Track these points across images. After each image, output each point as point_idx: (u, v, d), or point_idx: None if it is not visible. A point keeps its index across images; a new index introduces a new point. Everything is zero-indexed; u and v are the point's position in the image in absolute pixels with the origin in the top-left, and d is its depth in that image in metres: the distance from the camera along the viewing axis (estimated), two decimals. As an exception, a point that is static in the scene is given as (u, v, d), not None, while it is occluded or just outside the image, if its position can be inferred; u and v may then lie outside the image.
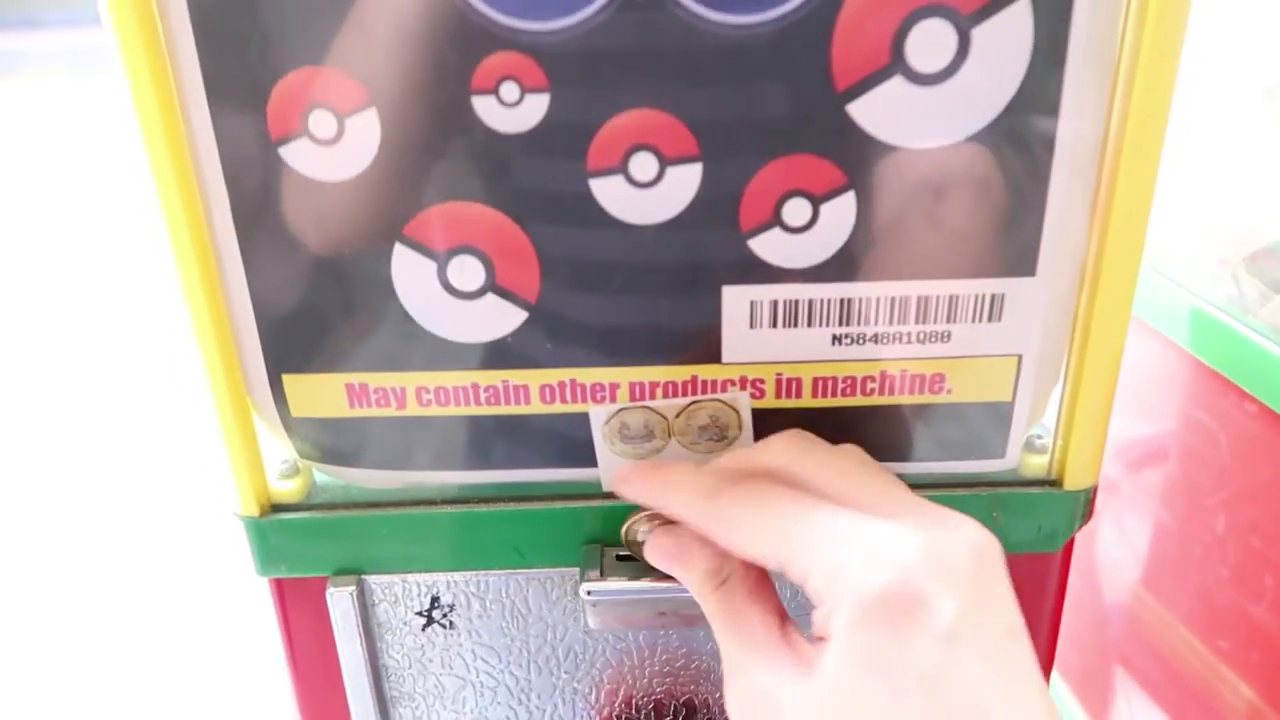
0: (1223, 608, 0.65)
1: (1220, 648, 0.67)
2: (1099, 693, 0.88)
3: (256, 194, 0.37)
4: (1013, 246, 0.38)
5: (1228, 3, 0.70)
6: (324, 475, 0.44)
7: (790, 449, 0.36)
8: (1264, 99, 0.69)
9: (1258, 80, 0.69)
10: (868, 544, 0.32)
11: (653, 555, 0.39)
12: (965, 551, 0.32)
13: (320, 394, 0.41)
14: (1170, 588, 0.74)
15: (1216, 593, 0.65)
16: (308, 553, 0.43)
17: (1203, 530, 0.66)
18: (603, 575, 0.41)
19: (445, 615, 0.45)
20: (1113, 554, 0.82)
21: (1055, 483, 0.42)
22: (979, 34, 0.34)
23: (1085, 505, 0.42)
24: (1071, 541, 0.44)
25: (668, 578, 0.40)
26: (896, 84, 0.35)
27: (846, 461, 0.36)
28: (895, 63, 0.34)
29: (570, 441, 0.42)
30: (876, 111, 0.35)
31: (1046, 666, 0.47)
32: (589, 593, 0.41)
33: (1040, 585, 0.44)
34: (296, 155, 0.36)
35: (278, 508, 0.43)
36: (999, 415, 0.41)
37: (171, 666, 1.73)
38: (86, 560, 2.03)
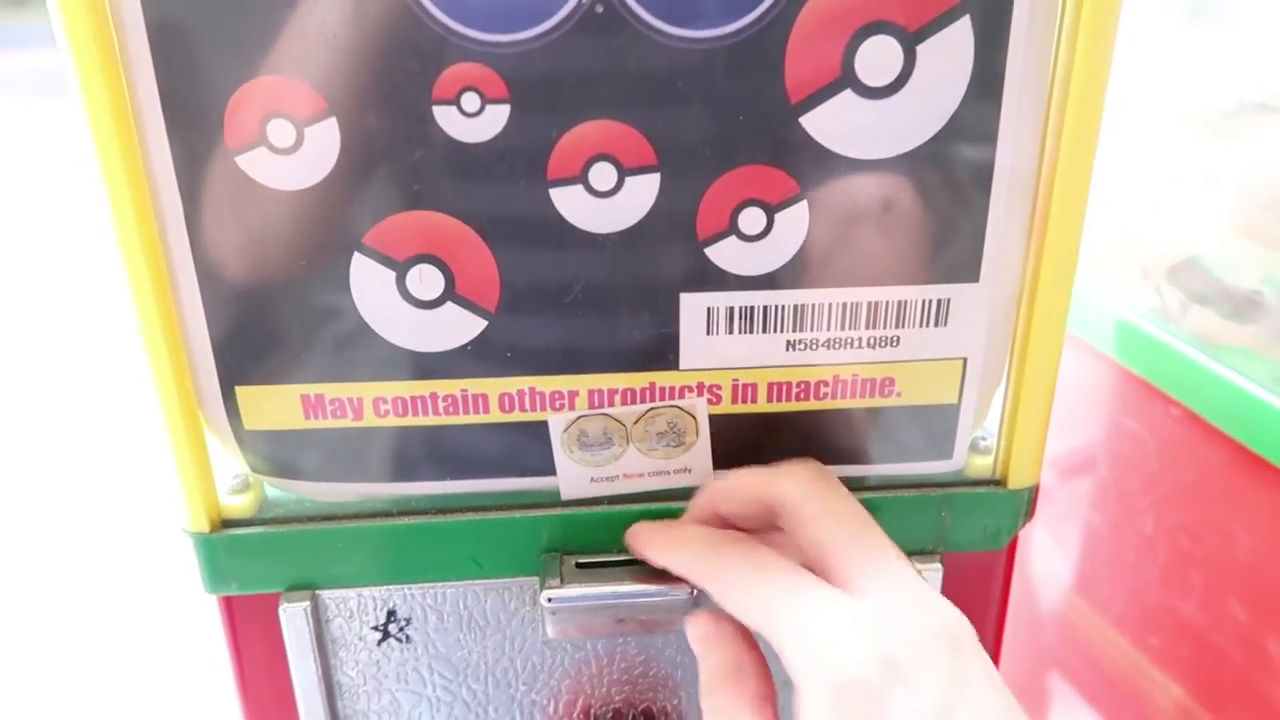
0: (1153, 608, 0.68)
1: (1151, 646, 0.70)
2: (1035, 698, 0.90)
3: (211, 203, 0.37)
4: (957, 254, 0.39)
5: (1146, 36, 0.75)
6: (276, 490, 0.44)
7: (805, 483, 0.37)
8: (1179, 124, 0.73)
9: (1173, 107, 0.73)
10: (843, 628, 0.33)
11: (690, 631, 0.39)
12: (937, 635, 0.33)
13: (274, 406, 0.40)
14: (1103, 592, 0.76)
15: (1147, 593, 0.68)
16: (259, 569, 0.42)
17: (1133, 533, 0.69)
18: (562, 583, 0.41)
19: (401, 629, 0.44)
20: (1047, 561, 0.85)
21: (999, 482, 0.44)
22: (923, 50, 0.36)
23: (1028, 504, 0.44)
24: (1015, 540, 0.45)
25: (633, 582, 0.41)
26: (847, 98, 0.36)
27: (848, 511, 0.37)
28: (845, 77, 0.36)
29: (529, 450, 0.42)
30: (828, 123, 0.36)
31: (995, 658, 0.48)
32: (549, 600, 0.41)
33: (986, 583, 0.46)
34: (254, 164, 0.36)
35: (228, 523, 0.42)
36: (946, 417, 0.43)
37: (125, 681, 1.67)
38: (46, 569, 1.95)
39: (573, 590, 0.41)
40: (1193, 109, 0.70)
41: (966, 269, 0.40)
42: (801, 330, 0.40)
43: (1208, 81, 0.71)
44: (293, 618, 0.43)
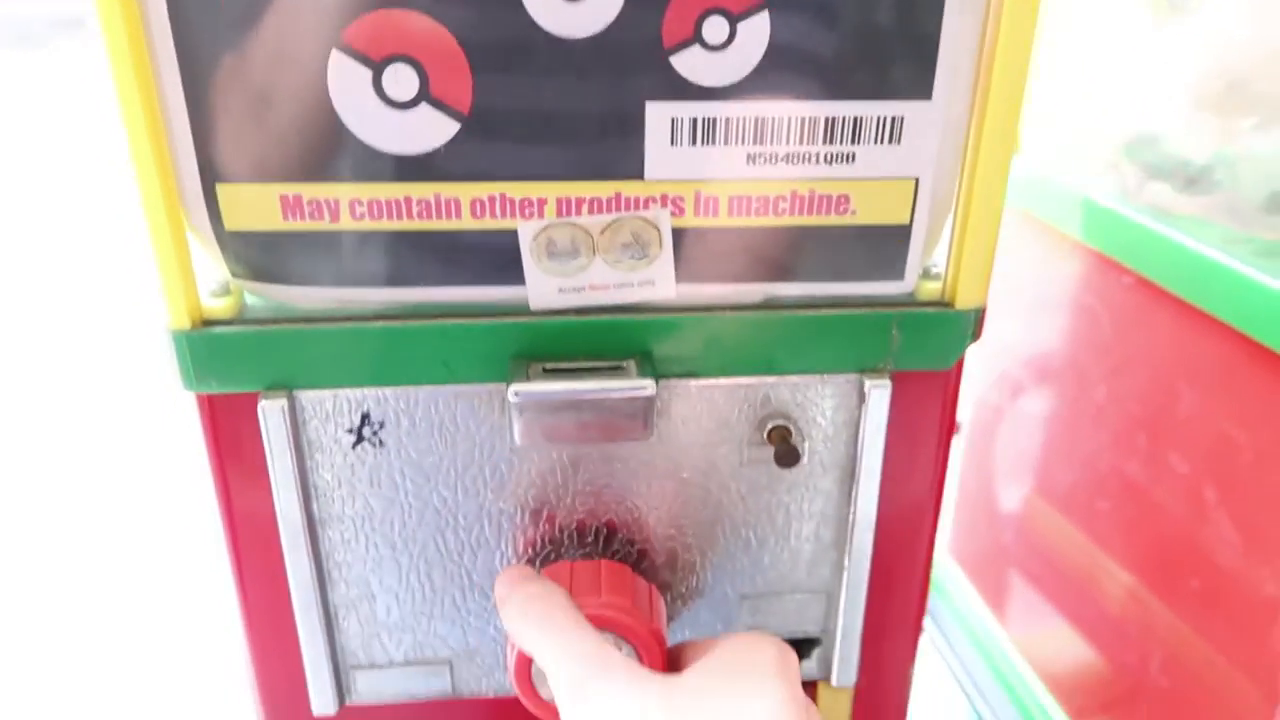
0: (1104, 474, 0.71)
1: (1100, 513, 0.73)
2: (992, 579, 0.94)
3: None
4: (911, 71, 0.41)
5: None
6: (255, 298, 0.45)
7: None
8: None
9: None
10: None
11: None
12: None
13: (254, 205, 0.42)
14: (1059, 471, 0.79)
15: (1098, 459, 0.71)
16: (238, 368, 0.44)
17: (1087, 404, 0.72)
18: (529, 382, 0.43)
19: (375, 433, 0.46)
20: (1009, 449, 0.88)
21: (948, 304, 0.46)
22: None
23: (974, 325, 0.46)
24: (961, 361, 0.47)
25: (595, 379, 0.43)
26: (809, -99, 0.37)
27: None
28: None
29: (500, 259, 0.44)
30: (790, -73, 0.38)
31: (941, 480, 0.51)
32: (515, 394, 0.43)
33: (934, 401, 0.48)
34: (235, -49, 0.37)
35: (209, 323, 0.44)
36: (898, 237, 0.45)
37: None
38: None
39: (537, 386, 0.43)
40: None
41: (919, 86, 0.41)
42: (761, 143, 0.42)
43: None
44: (271, 415, 0.45)
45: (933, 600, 1.01)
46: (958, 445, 1.00)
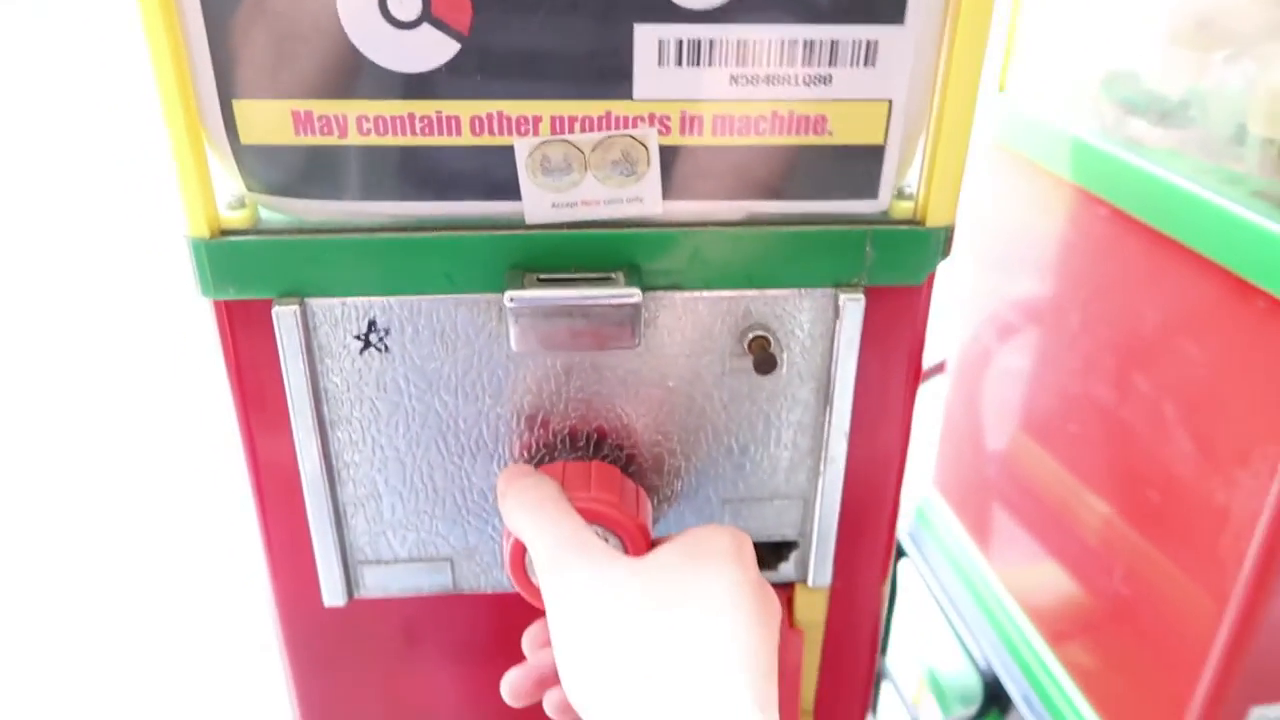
0: (1077, 399, 0.74)
1: (1073, 434, 0.76)
2: (974, 510, 0.98)
3: (210, -84, 0.41)
4: (886, -3, 0.44)
5: None
6: (268, 212, 0.48)
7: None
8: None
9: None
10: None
11: None
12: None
13: (268, 120, 0.45)
14: (1036, 402, 0.83)
15: (1071, 385, 0.74)
16: (254, 275, 0.47)
17: (1063, 333, 0.75)
18: (524, 289, 0.47)
19: (381, 339, 0.50)
20: (992, 384, 0.91)
21: (919, 223, 0.49)
22: None
23: (944, 243, 0.49)
24: (932, 277, 0.50)
25: (586, 288, 0.46)
26: None
27: None
28: None
29: (497, 174, 0.47)
30: None
31: (913, 392, 0.54)
32: (511, 300, 0.46)
33: (906, 315, 0.51)
34: (248, -126, 0.40)
35: (226, 232, 0.47)
36: (873, 157, 0.47)
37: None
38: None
39: (532, 294, 0.46)
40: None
41: (893, 11, 0.44)
42: (744, 65, 0.45)
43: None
44: (284, 319, 0.48)
45: (917, 530, 1.05)
46: (943, 384, 1.03)
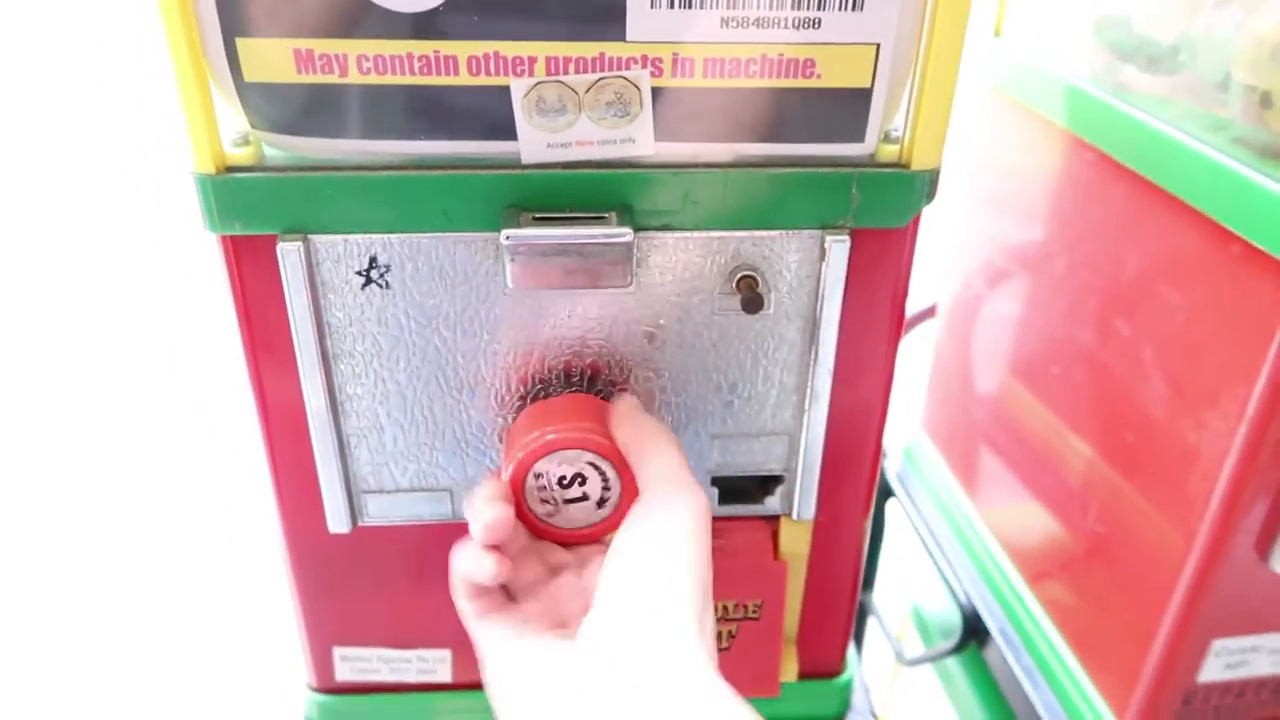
0: (1061, 342, 0.76)
1: (1055, 376, 0.78)
2: (960, 451, 1.00)
3: None
4: (875, -59, 0.44)
5: None
6: (272, 150, 0.50)
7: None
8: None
9: None
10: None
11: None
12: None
13: (270, 59, 0.46)
14: (1022, 345, 0.85)
15: (1055, 329, 0.76)
16: (258, 211, 0.49)
17: (1048, 278, 0.76)
18: (520, 228, 0.48)
19: (382, 275, 0.51)
20: (981, 328, 0.93)
21: (904, 166, 0.50)
22: None
23: (929, 186, 0.50)
24: (917, 220, 0.52)
25: (580, 226, 0.48)
26: None
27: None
28: None
29: (494, 114, 0.48)
30: None
31: (896, 332, 0.56)
32: (508, 238, 0.48)
33: (891, 257, 0.53)
34: None
35: (231, 169, 0.48)
36: (860, 100, 0.48)
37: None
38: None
39: (528, 231, 0.48)
40: None
41: (882, -44, 0.45)
42: (735, 8, 0.46)
43: None
44: (288, 255, 0.49)
45: (905, 471, 1.07)
46: (933, 329, 1.05)
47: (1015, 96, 0.78)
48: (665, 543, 0.45)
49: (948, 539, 1.00)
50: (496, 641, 0.47)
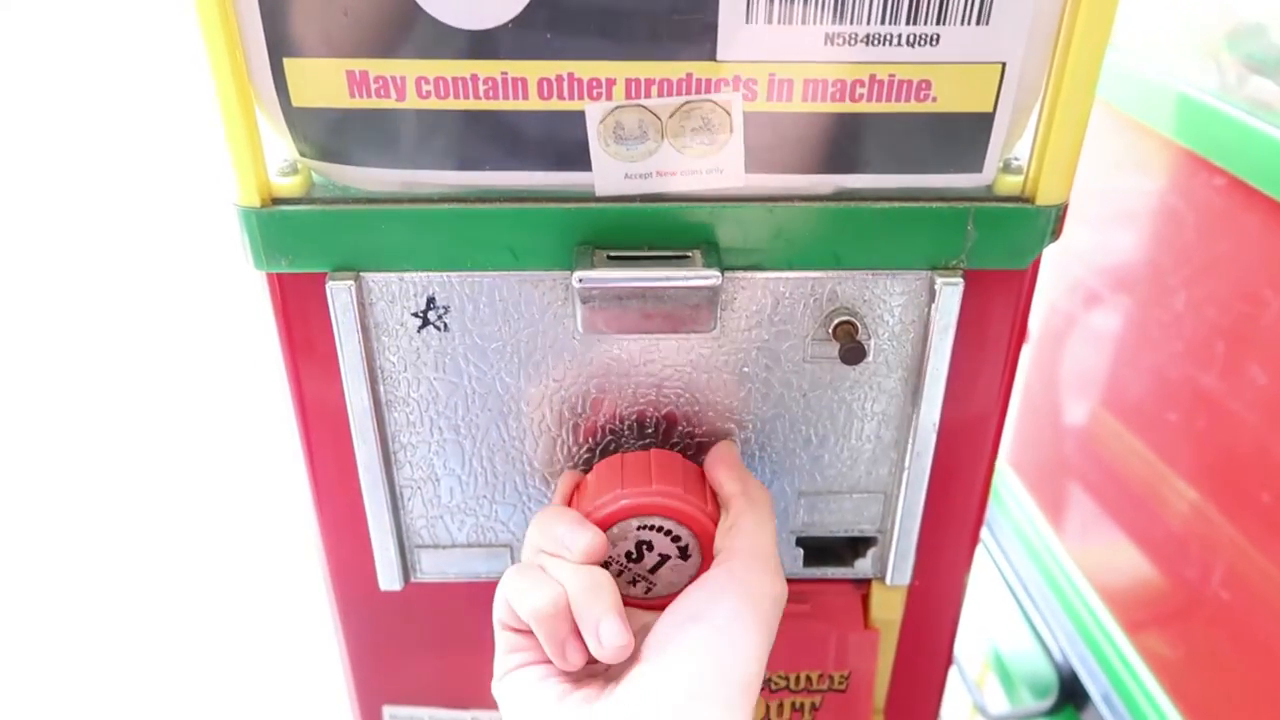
0: (1174, 382, 0.69)
1: (1169, 425, 0.71)
2: (1051, 490, 0.93)
3: None
4: (1006, -55, 0.39)
5: None
6: (321, 178, 0.45)
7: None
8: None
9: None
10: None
11: None
12: None
13: (321, 81, 0.42)
14: (1127, 383, 0.78)
15: (1170, 370, 0.69)
16: (307, 247, 0.44)
17: (1162, 311, 0.69)
18: (594, 269, 0.43)
19: (440, 317, 0.47)
20: (1077, 358, 0.86)
21: (1028, 200, 0.44)
22: None
23: (1054, 222, 0.44)
24: (1038, 261, 0.46)
25: (660, 267, 0.43)
26: None
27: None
28: None
29: (567, 142, 0.43)
30: None
31: (1008, 385, 0.50)
32: (580, 280, 0.43)
33: (1008, 302, 0.47)
34: None
35: (278, 201, 0.44)
36: (980, 126, 0.43)
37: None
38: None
39: (602, 274, 0.43)
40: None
41: (1014, -39, 0.39)
42: (841, 23, 0.40)
43: None
44: (339, 295, 0.45)
45: (989, 509, 1.01)
46: (1025, 354, 0.98)
47: (1125, 110, 0.72)
48: (734, 625, 0.41)
49: (1035, 581, 0.93)
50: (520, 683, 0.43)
